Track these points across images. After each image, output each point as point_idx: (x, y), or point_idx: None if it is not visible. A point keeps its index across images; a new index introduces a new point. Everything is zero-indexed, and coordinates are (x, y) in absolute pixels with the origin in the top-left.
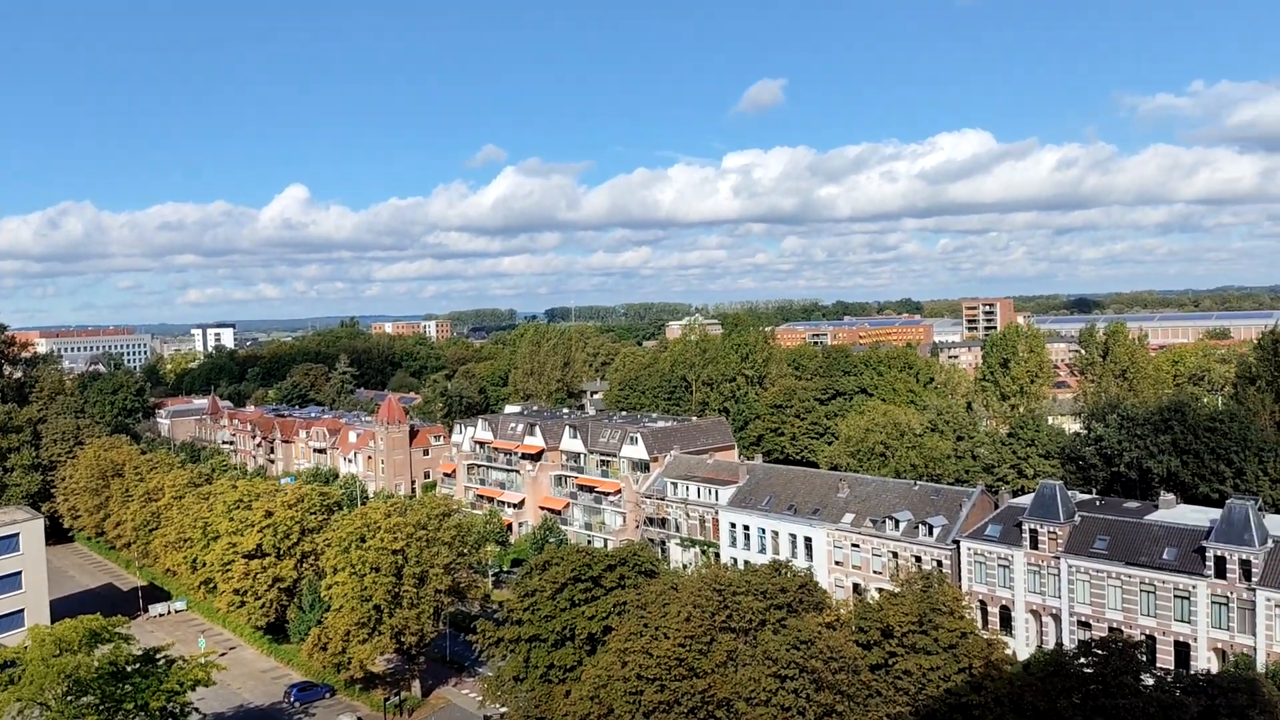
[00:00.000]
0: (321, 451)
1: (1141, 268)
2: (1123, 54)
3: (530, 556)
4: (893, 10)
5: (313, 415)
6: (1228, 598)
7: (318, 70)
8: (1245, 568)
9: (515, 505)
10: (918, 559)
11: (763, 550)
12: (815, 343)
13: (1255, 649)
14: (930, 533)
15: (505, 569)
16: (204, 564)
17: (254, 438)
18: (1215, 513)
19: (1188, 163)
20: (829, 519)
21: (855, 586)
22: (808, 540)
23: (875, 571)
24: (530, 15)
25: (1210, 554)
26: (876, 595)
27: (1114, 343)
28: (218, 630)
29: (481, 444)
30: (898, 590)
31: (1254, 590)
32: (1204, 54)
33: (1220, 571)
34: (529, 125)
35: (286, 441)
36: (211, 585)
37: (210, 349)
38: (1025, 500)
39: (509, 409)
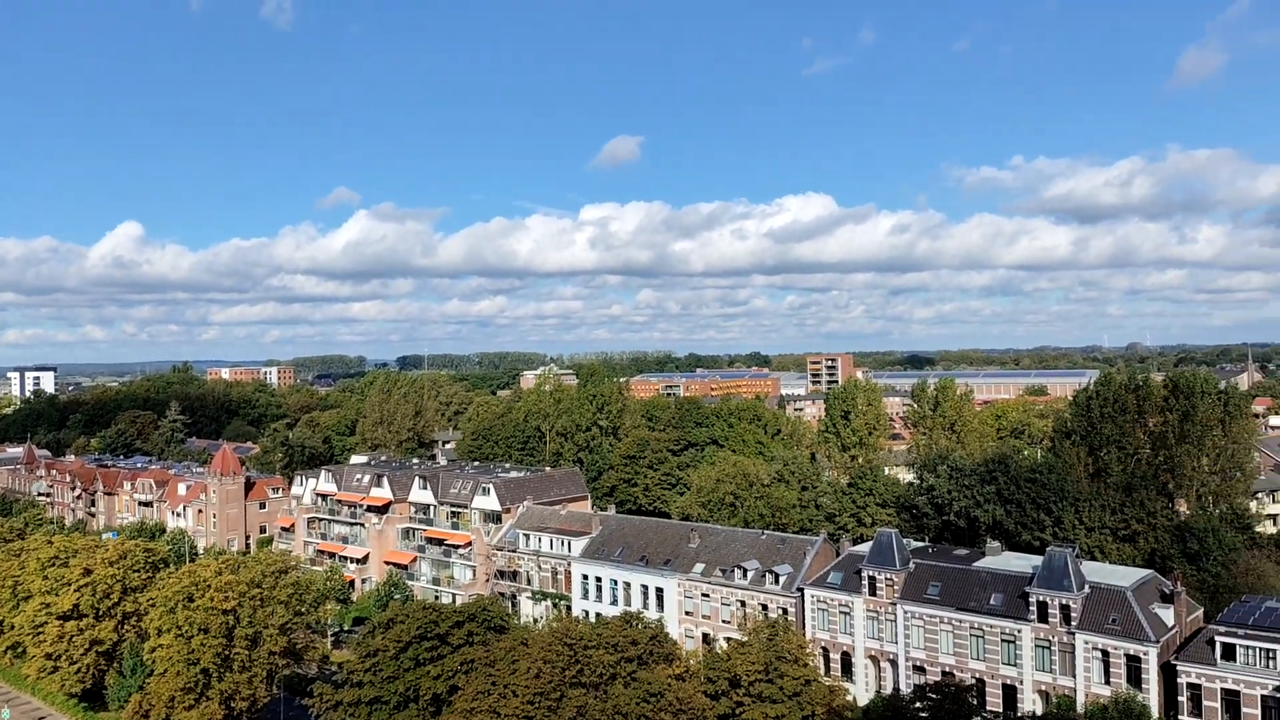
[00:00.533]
0: (148, 505)
1: (968, 327)
2: (950, 129)
3: (374, 614)
4: (745, 76)
5: (139, 466)
6: (1050, 641)
7: (158, 101)
8: (1065, 612)
9: (359, 560)
10: (764, 607)
11: (615, 602)
12: (668, 394)
13: (1075, 690)
14: (776, 581)
15: (346, 628)
16: (11, 626)
17: (73, 489)
18: (1037, 559)
19: (1009, 231)
20: (680, 569)
21: (705, 636)
22: (659, 591)
23: (724, 621)
24: (387, 57)
25: (1033, 599)
26: (725, 645)
27: (943, 398)
28: (25, 699)
29: (324, 496)
30: (745, 639)
31: (1073, 634)
32: (1023, 132)
33: (1043, 616)
34: (384, 168)
35: (109, 494)
36: (20, 650)
37: (28, 393)
38: (864, 548)
39: (355, 459)
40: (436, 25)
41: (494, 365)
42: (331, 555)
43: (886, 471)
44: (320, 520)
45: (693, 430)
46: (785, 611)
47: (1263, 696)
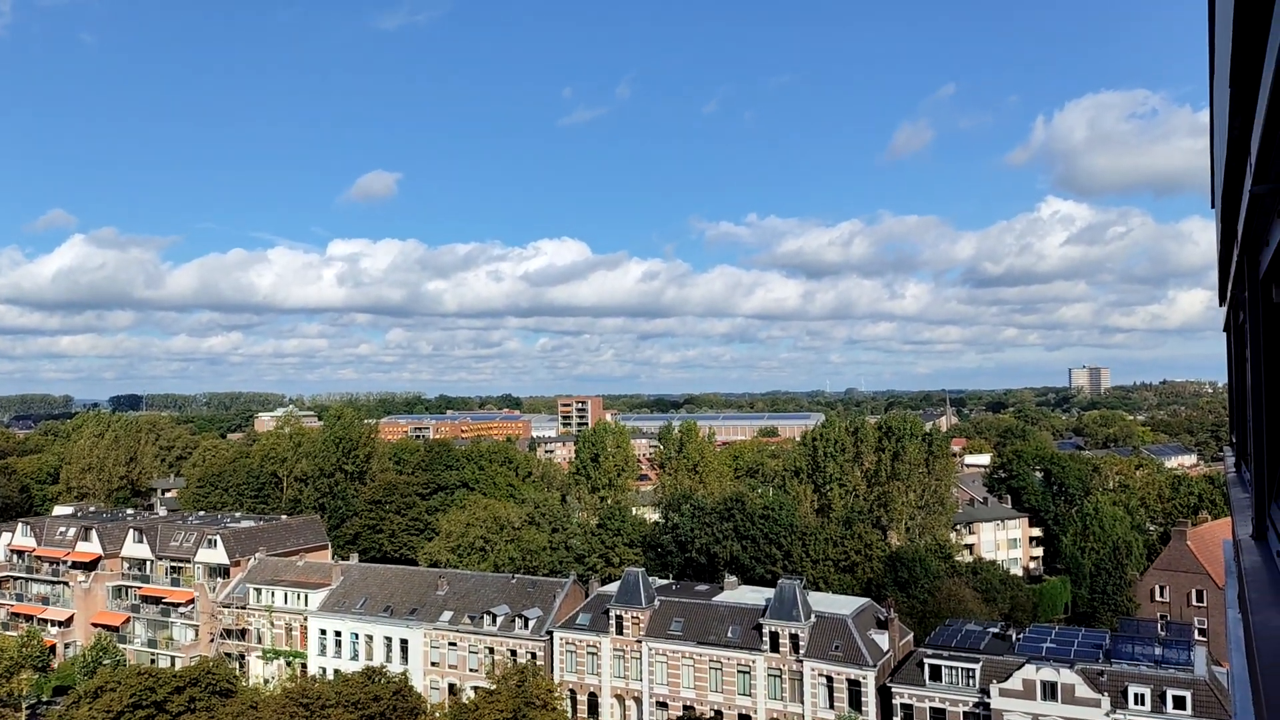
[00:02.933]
0: None
1: (709, 372)
2: (696, 184)
3: (79, 683)
4: (506, 120)
5: None
6: (780, 670)
7: None
8: (794, 641)
9: (62, 623)
10: (513, 653)
11: (355, 657)
12: (418, 436)
13: (804, 715)
14: (526, 625)
15: (46, 699)
16: None
17: None
18: (770, 592)
19: (746, 283)
20: (426, 618)
21: (451, 687)
22: (404, 642)
23: (471, 670)
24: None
25: (766, 630)
26: (472, 694)
27: (687, 439)
28: None
29: (20, 552)
30: (493, 687)
31: (801, 661)
32: (758, 192)
33: (774, 646)
34: (106, 191)
35: None
36: None
37: None
38: (613, 588)
39: (59, 510)
40: (174, 35)
41: (224, 406)
42: (29, 618)
43: (634, 512)
44: (16, 579)
45: (443, 473)
46: (534, 656)
47: (964, 713)
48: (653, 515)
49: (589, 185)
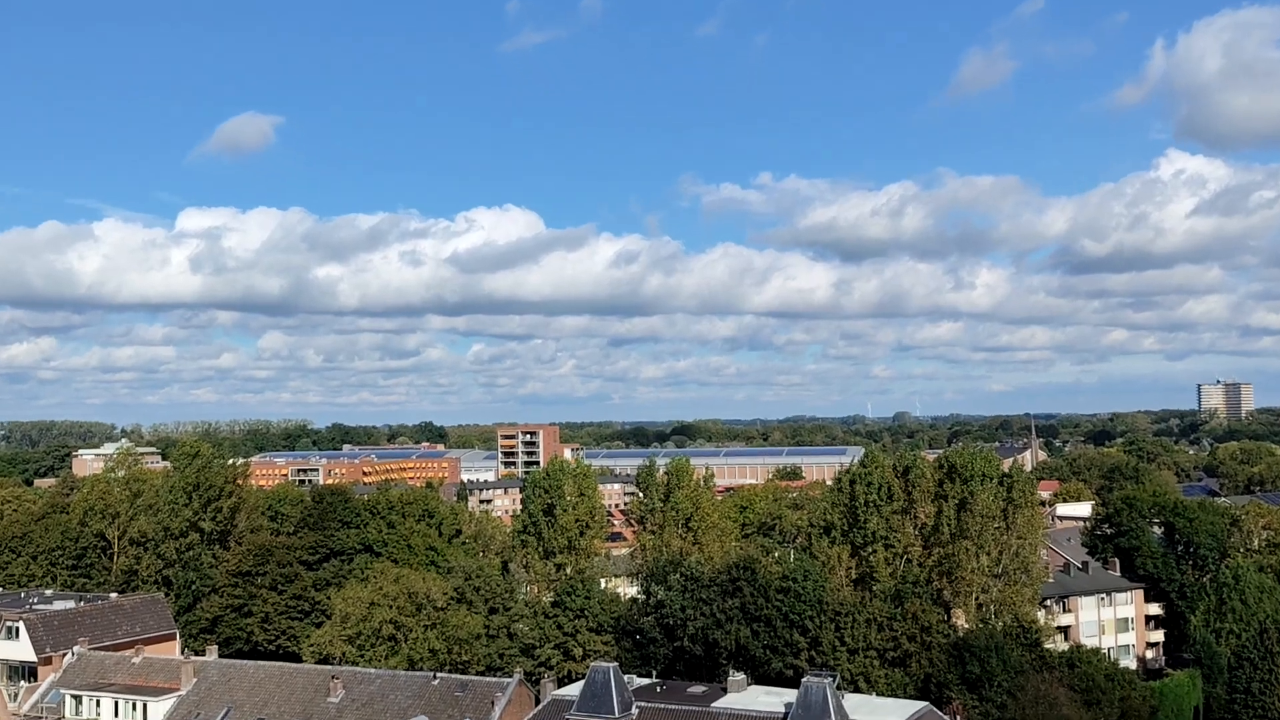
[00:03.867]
0: None
1: (708, 391)
2: (687, 132)
3: None
4: (429, 48)
5: None
6: None
7: None
8: None
9: None
10: None
11: None
12: (303, 482)
13: None
14: None
15: None
16: None
17: None
18: (791, 694)
19: (759, 267)
20: None
21: None
22: None
23: None
24: None
25: None
26: None
27: (677, 484)
28: None
29: None
30: None
31: None
32: (772, 143)
33: None
34: None
35: None
36: None
37: None
38: (573, 690)
39: None
40: None
41: (30, 441)
42: None
43: (603, 584)
44: None
45: (337, 533)
46: None
47: None
48: (629, 589)
49: (542, 134)
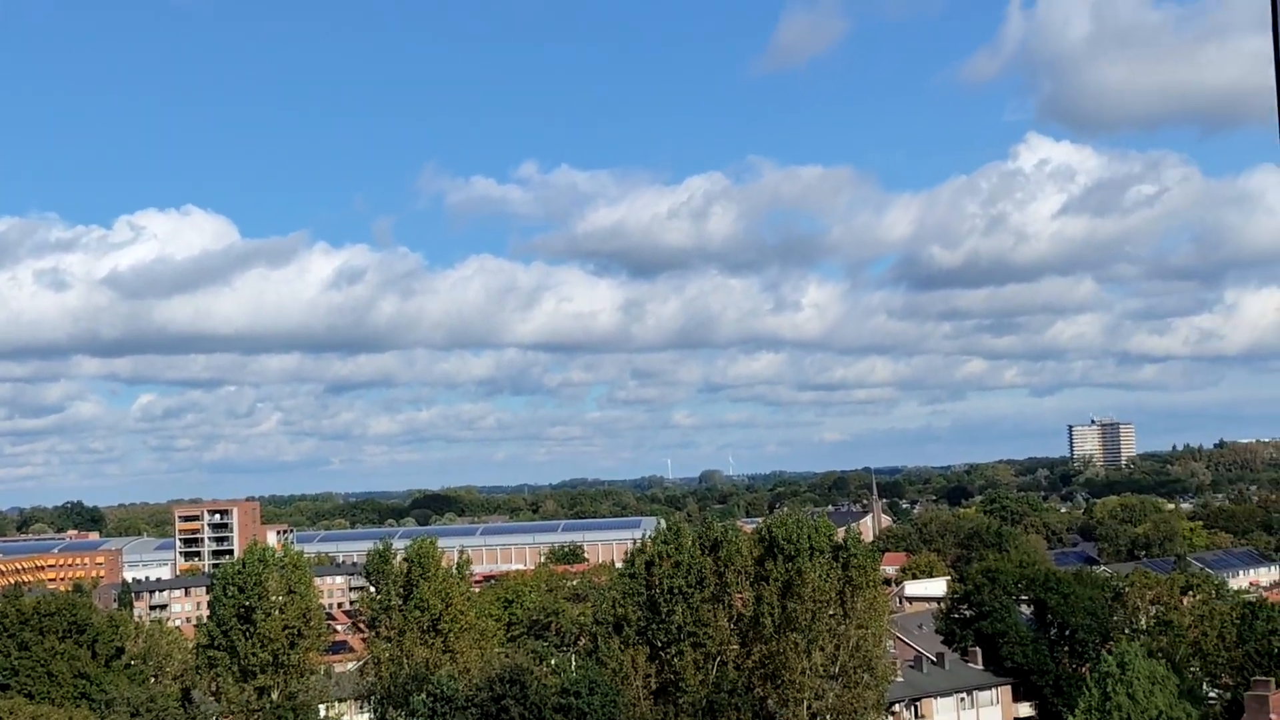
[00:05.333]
0: None
1: (459, 450)
2: (422, 105)
3: None
4: None
5: None
6: None
7: None
8: None
9: None
10: None
11: None
12: None
13: None
14: None
15: None
16: None
17: None
18: None
19: (525, 285)
20: None
21: None
22: None
23: None
24: None
25: None
26: None
27: (420, 574)
28: None
29: None
30: None
31: None
32: (535, 123)
33: None
34: None
35: None
36: None
37: None
38: None
39: None
40: None
41: None
42: None
43: (323, 712)
44: None
45: None
46: None
47: None
48: (358, 717)
49: (235, 112)
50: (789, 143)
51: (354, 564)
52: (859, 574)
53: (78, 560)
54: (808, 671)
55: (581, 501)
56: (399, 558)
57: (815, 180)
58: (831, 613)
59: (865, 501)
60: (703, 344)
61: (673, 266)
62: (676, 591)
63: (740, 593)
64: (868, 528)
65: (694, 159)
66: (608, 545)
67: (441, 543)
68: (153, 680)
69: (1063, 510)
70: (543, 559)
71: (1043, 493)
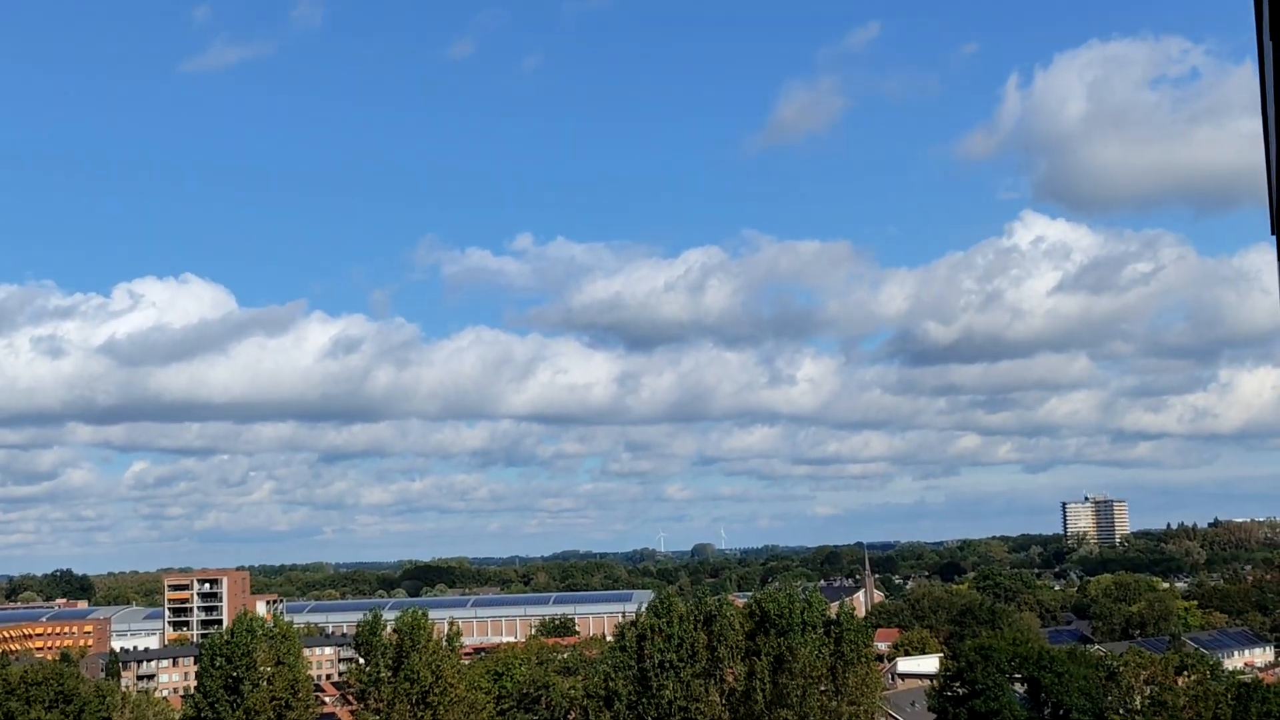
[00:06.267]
0: None
1: (451, 520)
2: (424, 184)
3: None
4: (91, 57)
5: None
6: None
7: None
8: None
9: None
10: None
11: None
12: None
13: None
14: None
15: None
16: None
17: None
18: None
19: (520, 357)
20: None
21: None
22: None
23: None
24: None
25: None
26: None
27: (410, 645)
28: None
29: None
30: None
31: None
32: (533, 197)
33: None
34: None
35: None
36: None
37: None
38: None
39: None
40: None
41: None
42: None
43: None
44: None
45: None
46: None
47: None
48: None
49: (236, 182)
50: (786, 217)
51: (344, 635)
52: (851, 649)
53: (66, 629)
54: None
55: (573, 574)
56: (389, 629)
57: (812, 255)
58: (824, 688)
59: (858, 576)
60: (697, 417)
61: (669, 339)
62: (668, 666)
63: (732, 668)
64: (860, 603)
65: (691, 232)
66: (599, 618)
67: (432, 614)
68: None
69: (1056, 588)
70: (534, 631)
71: (1036, 570)
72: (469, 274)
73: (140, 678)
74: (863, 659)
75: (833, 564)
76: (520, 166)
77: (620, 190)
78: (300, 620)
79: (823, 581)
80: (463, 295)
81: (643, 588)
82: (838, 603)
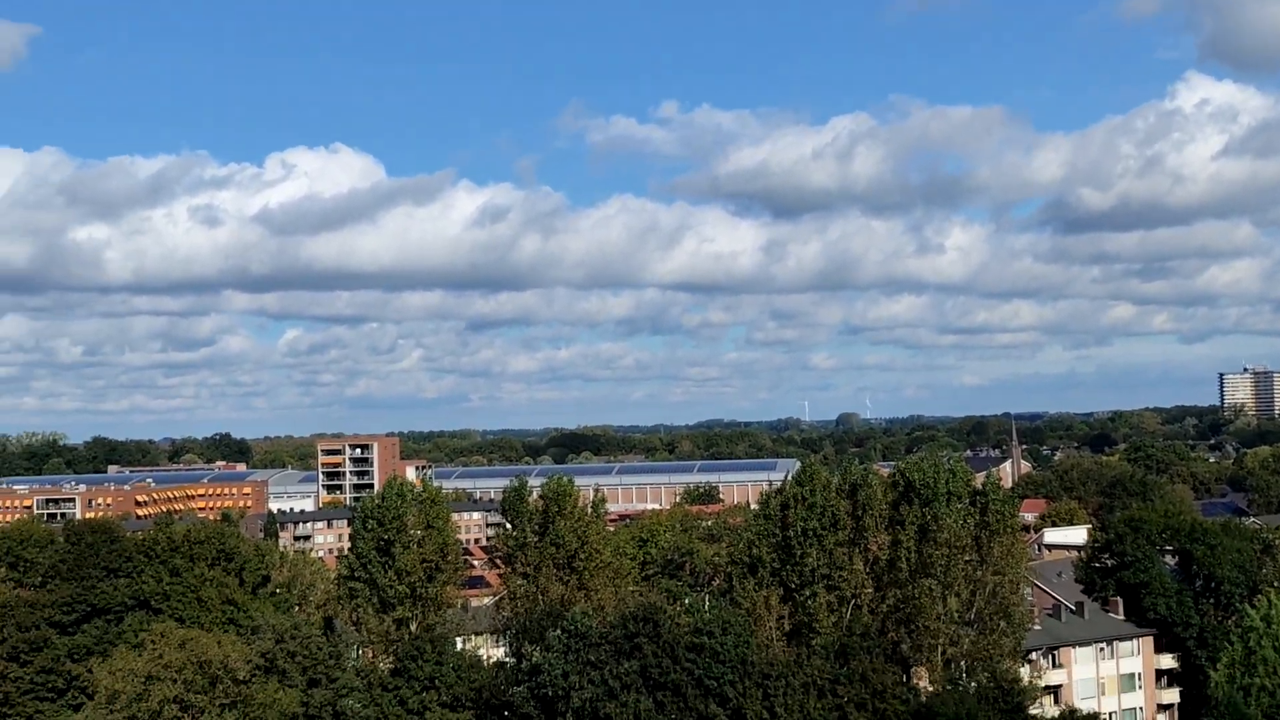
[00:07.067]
0: None
1: (598, 389)
2: (570, 50)
3: None
4: None
5: None
6: None
7: None
8: None
9: None
10: None
11: None
12: (53, 516)
13: None
14: None
15: None
16: None
17: None
18: None
19: (666, 226)
20: None
21: None
22: None
23: None
24: None
25: None
26: None
27: (557, 513)
28: None
29: None
30: None
31: None
32: (675, 60)
33: None
34: None
35: None
36: None
37: None
38: None
39: None
40: None
41: None
42: None
43: (460, 645)
44: None
45: (101, 584)
46: None
47: None
48: (494, 650)
49: (382, 52)
50: (937, 82)
51: (491, 501)
52: (997, 520)
53: (225, 490)
54: (943, 617)
55: (717, 442)
56: (535, 495)
57: (964, 120)
58: (968, 558)
59: (1005, 447)
60: (843, 286)
61: (815, 207)
62: (812, 534)
63: (876, 537)
64: (1006, 474)
65: (839, 99)
66: (743, 487)
67: (577, 481)
68: (296, 609)
69: (1211, 460)
70: (678, 499)
71: (1190, 442)
72: (614, 142)
73: (296, 538)
74: (1008, 529)
75: (979, 434)
76: (666, 32)
77: (767, 56)
78: (448, 486)
79: (969, 452)
80: (608, 163)
81: (787, 457)
82: (983, 473)
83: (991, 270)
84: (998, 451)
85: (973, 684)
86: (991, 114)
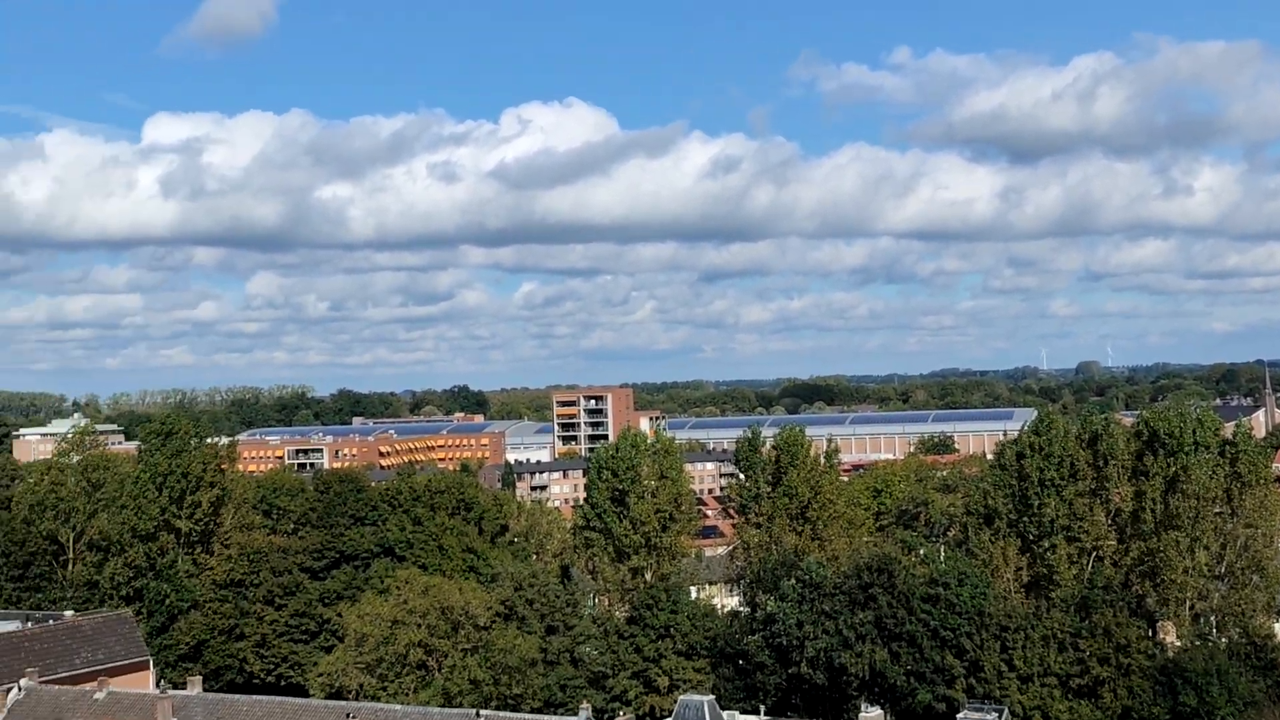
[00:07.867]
0: None
1: (831, 339)
2: None
3: None
4: None
5: None
6: None
7: None
8: None
9: None
10: None
11: None
12: (303, 466)
13: None
14: None
15: None
16: None
17: None
18: None
19: (900, 174)
20: None
21: None
22: None
23: None
24: None
25: None
26: None
27: (789, 462)
28: None
29: None
30: None
31: None
32: (911, 6)
33: None
34: None
35: None
36: None
37: None
38: None
39: None
40: None
41: None
42: None
43: (694, 594)
44: None
45: (348, 532)
46: None
47: None
48: (728, 600)
49: (612, 4)
50: (1184, 17)
51: (724, 451)
52: (1249, 471)
53: (464, 441)
54: (1191, 571)
55: (952, 392)
56: (768, 445)
57: (1215, 56)
58: (1218, 511)
59: (1258, 395)
60: (1084, 231)
61: (1055, 151)
62: (1050, 484)
63: (1118, 488)
64: (1259, 423)
65: (1079, 38)
66: (979, 436)
67: (810, 431)
68: (534, 558)
69: None
70: (912, 449)
71: None
72: (847, 90)
73: (533, 488)
74: (1261, 481)
75: (1229, 382)
76: None
77: None
78: (682, 436)
79: (1218, 400)
80: (841, 112)
81: (1024, 406)
82: (1233, 422)
83: (1244, 211)
84: (1250, 400)
85: (1223, 640)
86: (1247, 48)
